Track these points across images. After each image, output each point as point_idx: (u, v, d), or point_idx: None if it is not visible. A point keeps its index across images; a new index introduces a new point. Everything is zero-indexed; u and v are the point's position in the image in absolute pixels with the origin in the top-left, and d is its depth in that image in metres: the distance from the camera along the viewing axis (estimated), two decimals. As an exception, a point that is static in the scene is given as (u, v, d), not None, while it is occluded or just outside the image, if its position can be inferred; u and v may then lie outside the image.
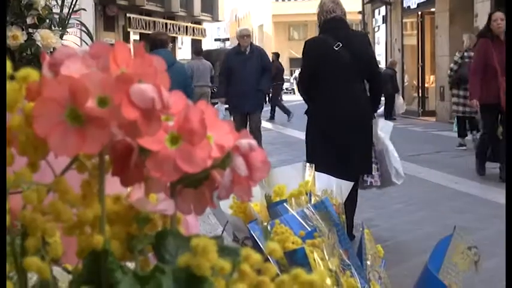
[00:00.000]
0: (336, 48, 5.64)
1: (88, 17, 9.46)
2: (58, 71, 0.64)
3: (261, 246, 1.68)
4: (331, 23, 5.79)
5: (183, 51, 46.97)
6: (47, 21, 4.15)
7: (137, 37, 35.10)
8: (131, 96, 0.61)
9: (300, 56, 6.44)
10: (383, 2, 27.44)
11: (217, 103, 12.61)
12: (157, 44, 8.43)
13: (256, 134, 11.14)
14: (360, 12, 32.71)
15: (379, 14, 29.38)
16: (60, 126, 0.62)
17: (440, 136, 17.17)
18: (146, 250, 0.71)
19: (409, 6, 24.75)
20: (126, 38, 33.31)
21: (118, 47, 0.65)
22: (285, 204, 1.80)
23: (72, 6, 4.51)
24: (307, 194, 1.87)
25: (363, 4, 31.52)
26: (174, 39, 39.51)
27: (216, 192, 0.72)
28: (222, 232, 2.27)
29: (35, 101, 0.63)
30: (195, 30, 41.54)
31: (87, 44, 5.14)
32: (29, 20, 3.88)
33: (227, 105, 11.89)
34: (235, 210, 2.08)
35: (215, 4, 45.47)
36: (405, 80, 25.90)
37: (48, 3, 4.29)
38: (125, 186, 0.70)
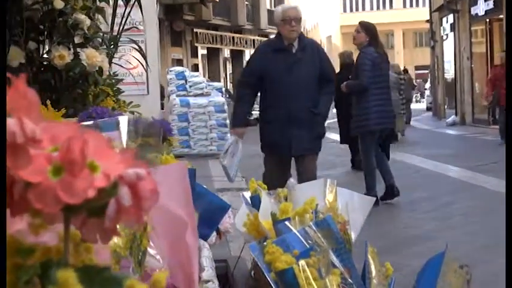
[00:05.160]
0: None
1: (154, 33, 9.60)
2: None
3: (260, 266, 1.67)
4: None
5: (251, 65, 46.96)
6: (99, 39, 4.22)
7: (205, 51, 35.42)
8: (-7, 130, 0.62)
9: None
10: (450, 10, 27.08)
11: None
12: None
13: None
14: (427, 21, 32.38)
15: (447, 22, 28.99)
16: None
17: (510, 145, 16.78)
18: (36, 280, 0.71)
19: (476, 14, 24.35)
20: (194, 52, 33.67)
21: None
22: (286, 222, 1.78)
23: (122, 25, 4.57)
24: (312, 212, 1.85)
25: (431, 13, 31.18)
26: (241, 53, 39.74)
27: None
28: (240, 253, 2.27)
29: None
30: (262, 43, 41.72)
31: (141, 63, 5.18)
32: (76, 40, 3.95)
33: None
34: (249, 228, 2.07)
35: (282, 17, 45.50)
36: (476, 89, 25.47)
37: (98, 22, 4.35)
38: (13, 217, 0.70)
